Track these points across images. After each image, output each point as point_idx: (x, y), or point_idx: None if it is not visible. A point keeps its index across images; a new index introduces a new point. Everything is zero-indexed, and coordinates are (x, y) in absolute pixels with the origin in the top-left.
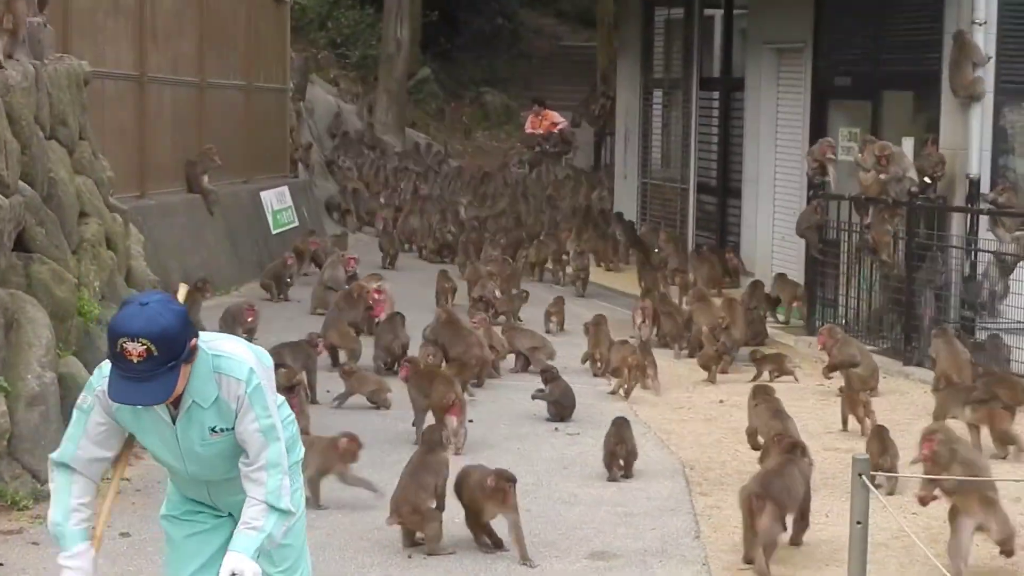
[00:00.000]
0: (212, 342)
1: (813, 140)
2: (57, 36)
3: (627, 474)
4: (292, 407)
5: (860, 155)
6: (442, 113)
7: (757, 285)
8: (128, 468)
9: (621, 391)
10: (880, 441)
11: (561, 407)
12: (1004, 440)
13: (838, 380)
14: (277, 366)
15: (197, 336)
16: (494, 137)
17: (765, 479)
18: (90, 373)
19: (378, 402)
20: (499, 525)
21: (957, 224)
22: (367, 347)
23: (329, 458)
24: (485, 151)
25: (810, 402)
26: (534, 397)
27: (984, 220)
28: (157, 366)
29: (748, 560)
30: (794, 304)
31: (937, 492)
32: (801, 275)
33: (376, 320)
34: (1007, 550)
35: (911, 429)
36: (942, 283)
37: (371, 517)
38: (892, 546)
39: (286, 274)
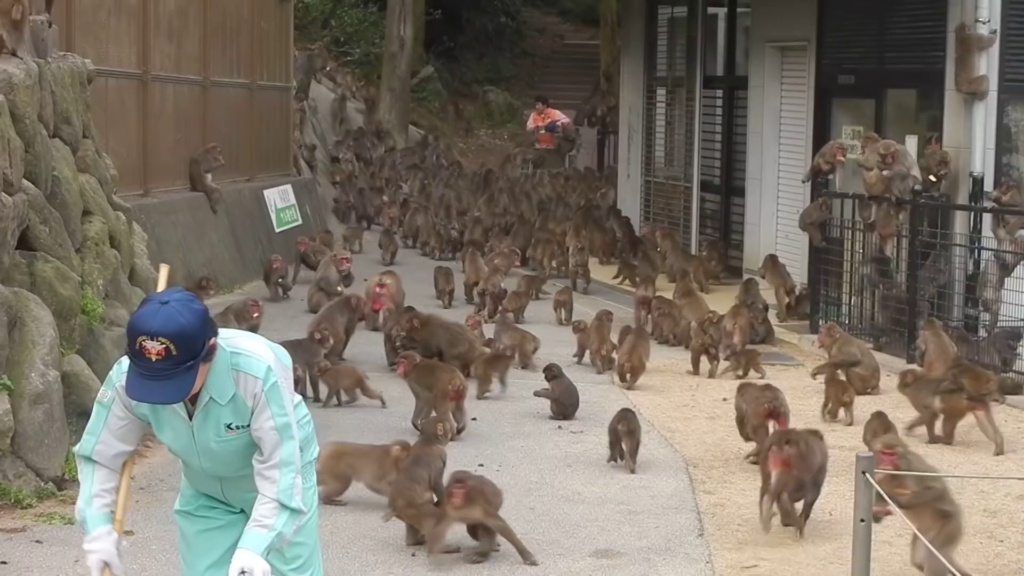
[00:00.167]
0: (231, 339)
1: (816, 138)
2: (61, 34)
3: (623, 456)
4: None
5: (862, 153)
6: (445, 111)
7: (751, 284)
8: (132, 466)
9: (618, 379)
10: (882, 424)
11: (563, 406)
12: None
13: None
14: None
15: (216, 335)
16: (497, 136)
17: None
18: (94, 371)
19: (355, 396)
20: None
21: (961, 222)
22: (371, 344)
23: (384, 466)
24: (488, 149)
25: (813, 400)
26: (536, 395)
27: (988, 218)
28: (175, 365)
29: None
30: (785, 296)
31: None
32: (804, 273)
33: (379, 315)
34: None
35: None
36: (945, 281)
37: (375, 515)
38: (896, 544)
39: (275, 276)
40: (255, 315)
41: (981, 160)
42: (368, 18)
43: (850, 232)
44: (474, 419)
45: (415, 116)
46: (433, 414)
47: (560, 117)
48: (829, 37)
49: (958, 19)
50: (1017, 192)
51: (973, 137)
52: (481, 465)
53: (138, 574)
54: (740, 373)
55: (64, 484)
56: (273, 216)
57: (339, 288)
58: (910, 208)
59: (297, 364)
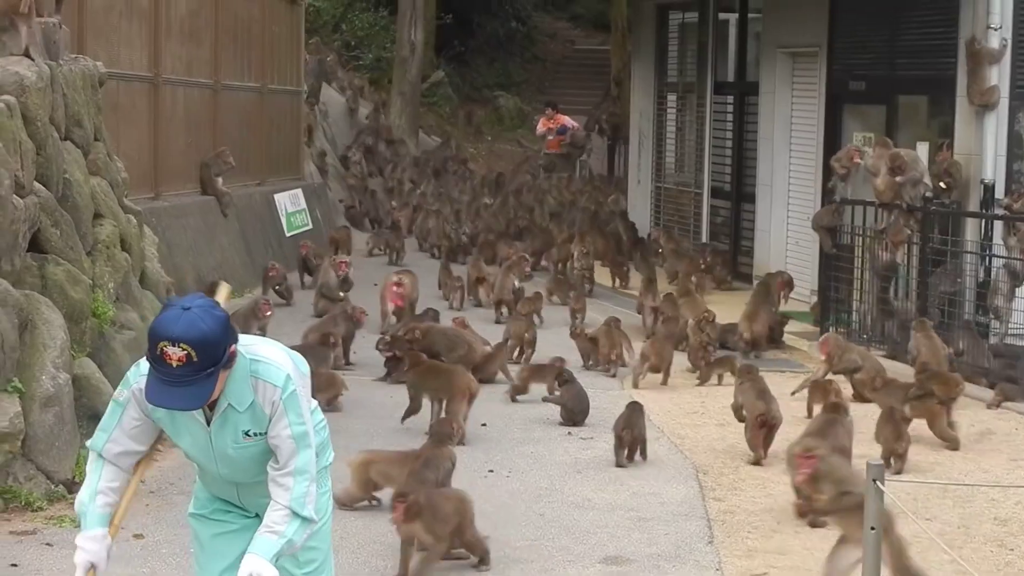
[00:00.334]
0: (251, 346)
1: (827, 144)
2: (72, 37)
3: (632, 458)
4: None
5: (870, 159)
6: (456, 116)
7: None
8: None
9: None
10: (894, 427)
11: (572, 412)
12: (942, 436)
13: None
14: None
15: (236, 341)
16: (508, 140)
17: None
18: (105, 375)
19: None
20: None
21: (972, 229)
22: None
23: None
24: (498, 155)
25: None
26: (545, 400)
27: (999, 226)
28: (196, 372)
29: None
30: (781, 292)
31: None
32: (815, 279)
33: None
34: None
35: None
36: (955, 288)
37: (385, 519)
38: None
39: (271, 283)
40: (267, 313)
41: (992, 167)
42: (379, 22)
43: (861, 239)
44: (484, 424)
45: (425, 121)
46: (443, 414)
47: (569, 123)
48: (840, 43)
49: (970, 26)
50: None
51: (984, 144)
52: (491, 471)
53: None
54: (718, 380)
55: (74, 487)
56: (284, 220)
57: (340, 294)
58: (921, 215)
59: None
